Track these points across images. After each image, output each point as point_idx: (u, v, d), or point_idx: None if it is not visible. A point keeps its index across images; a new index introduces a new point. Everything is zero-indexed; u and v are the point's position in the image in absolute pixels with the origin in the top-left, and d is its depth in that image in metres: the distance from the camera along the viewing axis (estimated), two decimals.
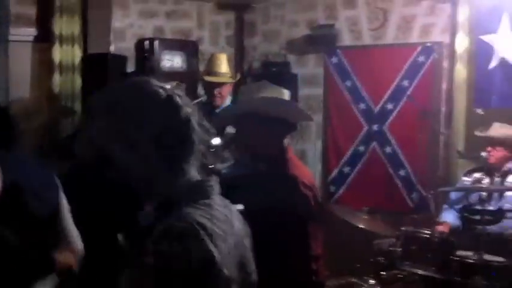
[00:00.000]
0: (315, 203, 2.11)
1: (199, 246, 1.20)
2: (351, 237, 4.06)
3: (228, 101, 3.72)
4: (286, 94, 2.34)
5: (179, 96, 1.33)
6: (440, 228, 3.89)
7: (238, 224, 1.37)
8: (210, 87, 3.74)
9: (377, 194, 4.80)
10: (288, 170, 2.14)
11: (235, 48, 5.18)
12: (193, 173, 1.32)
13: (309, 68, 5.11)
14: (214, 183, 1.34)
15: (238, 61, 5.14)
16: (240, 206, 1.53)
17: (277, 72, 4.97)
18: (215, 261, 1.20)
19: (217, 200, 1.33)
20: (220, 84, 3.73)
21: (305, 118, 2.26)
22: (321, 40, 4.90)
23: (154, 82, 1.33)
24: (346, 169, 4.96)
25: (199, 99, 3.83)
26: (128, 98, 1.30)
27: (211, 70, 3.84)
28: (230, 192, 1.41)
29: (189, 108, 1.32)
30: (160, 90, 1.31)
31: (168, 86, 1.34)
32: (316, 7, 5.04)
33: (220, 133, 2.36)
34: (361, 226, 3.69)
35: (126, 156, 1.28)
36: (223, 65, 3.85)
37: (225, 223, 1.30)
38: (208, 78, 3.80)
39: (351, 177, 4.94)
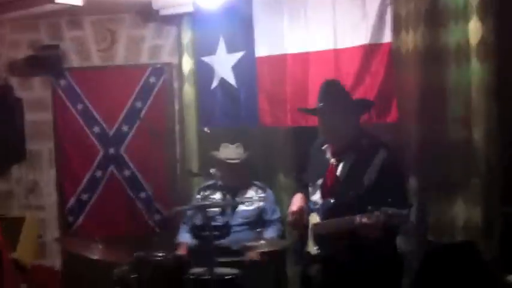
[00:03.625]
0: None
1: None
2: (90, 269, 3.88)
3: None
4: None
5: None
6: (180, 251, 3.93)
7: None
8: None
9: (119, 219, 4.68)
10: None
11: None
12: None
13: (35, 91, 4.75)
14: None
15: None
16: None
17: None
18: None
19: None
20: None
21: None
22: (46, 61, 4.60)
23: None
24: (84, 196, 4.72)
25: None
26: None
27: None
28: None
29: None
30: None
31: None
32: (38, 27, 4.72)
33: None
34: (95, 257, 3.52)
35: None
36: None
37: None
38: None
39: (89, 205, 4.72)
